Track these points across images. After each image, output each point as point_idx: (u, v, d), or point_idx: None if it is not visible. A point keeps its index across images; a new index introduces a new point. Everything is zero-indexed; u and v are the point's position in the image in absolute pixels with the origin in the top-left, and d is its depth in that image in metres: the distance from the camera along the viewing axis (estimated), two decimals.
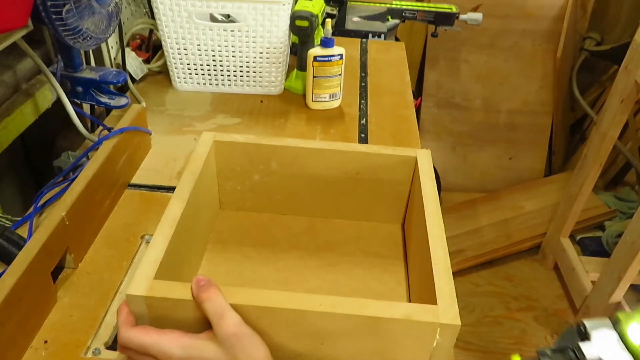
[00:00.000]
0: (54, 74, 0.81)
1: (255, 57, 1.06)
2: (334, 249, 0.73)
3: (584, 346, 0.48)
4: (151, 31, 1.18)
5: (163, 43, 1.05)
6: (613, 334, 0.49)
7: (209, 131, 0.72)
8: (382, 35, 1.45)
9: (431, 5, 1.68)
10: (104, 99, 0.88)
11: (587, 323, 0.48)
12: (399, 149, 0.72)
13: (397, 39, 1.58)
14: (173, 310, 0.49)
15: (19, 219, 0.71)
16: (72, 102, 0.82)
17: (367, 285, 0.68)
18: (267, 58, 1.06)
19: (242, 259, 0.70)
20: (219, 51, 1.05)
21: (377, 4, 1.59)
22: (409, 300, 0.66)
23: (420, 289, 0.60)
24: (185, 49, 1.05)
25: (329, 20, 0.99)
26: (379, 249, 0.73)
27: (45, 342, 0.58)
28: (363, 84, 1.19)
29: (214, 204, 0.75)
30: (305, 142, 0.72)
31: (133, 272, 0.67)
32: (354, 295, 0.65)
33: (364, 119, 1.05)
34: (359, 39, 1.41)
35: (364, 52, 1.35)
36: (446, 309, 0.49)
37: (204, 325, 0.49)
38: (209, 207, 0.73)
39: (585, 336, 0.47)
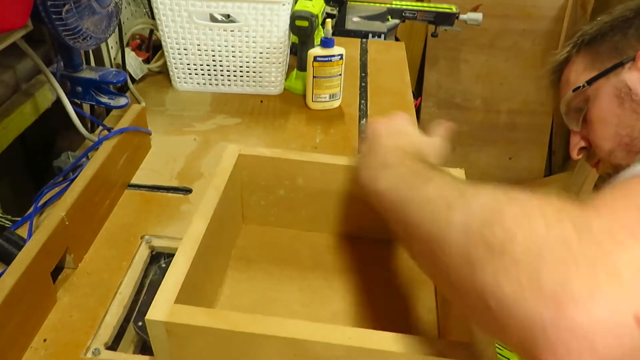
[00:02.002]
0: (54, 74, 0.81)
1: (255, 57, 1.06)
2: (360, 269, 0.70)
3: None
4: (151, 31, 1.18)
5: (163, 43, 1.05)
6: None
7: (234, 145, 0.70)
8: (382, 35, 1.45)
9: (431, 5, 1.69)
10: (104, 99, 0.88)
11: None
12: None
13: (397, 39, 1.58)
14: (195, 337, 0.47)
15: (19, 219, 0.71)
16: (72, 102, 0.82)
17: (396, 311, 0.65)
18: (267, 58, 1.06)
19: (265, 277, 0.68)
20: (219, 51, 1.05)
21: (377, 4, 1.59)
22: (439, 331, 0.62)
23: (451, 319, 0.56)
24: (185, 49, 1.05)
25: (329, 20, 0.99)
26: (408, 270, 0.70)
27: (45, 340, 0.58)
28: (363, 84, 1.19)
29: (237, 218, 0.73)
30: (333, 158, 0.70)
31: (133, 273, 0.68)
32: (380, 322, 0.63)
33: (364, 119, 1.05)
34: (359, 39, 1.41)
35: (364, 52, 1.34)
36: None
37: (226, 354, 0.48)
38: (232, 221, 0.71)
39: None
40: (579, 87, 0.69)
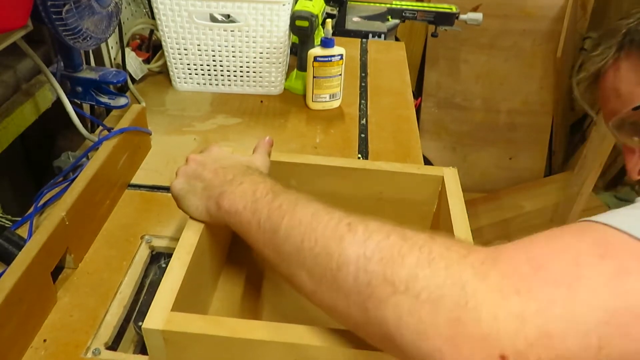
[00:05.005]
0: (54, 74, 0.81)
1: (255, 57, 1.06)
2: None
3: None
4: (151, 31, 1.18)
5: (163, 43, 1.05)
6: None
7: (226, 147, 0.68)
8: (382, 35, 1.45)
9: (431, 5, 1.68)
10: (104, 99, 0.88)
11: None
12: (425, 168, 0.69)
13: (397, 39, 1.58)
14: (193, 344, 0.47)
15: (19, 219, 0.71)
16: (72, 102, 0.82)
17: None
18: (267, 58, 1.06)
19: (259, 281, 0.68)
20: (219, 51, 1.05)
21: (377, 4, 1.59)
22: None
23: None
24: (185, 49, 1.05)
25: (329, 20, 0.99)
26: None
27: (45, 340, 0.58)
28: (363, 84, 1.19)
29: None
30: (326, 159, 0.70)
31: (133, 273, 0.68)
32: None
33: (364, 119, 1.05)
34: (359, 39, 1.41)
35: (364, 52, 1.34)
36: None
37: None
38: (226, 225, 0.71)
39: None
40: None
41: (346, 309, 0.40)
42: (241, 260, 0.70)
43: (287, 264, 0.45)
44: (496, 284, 0.33)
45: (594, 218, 0.37)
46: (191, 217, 0.58)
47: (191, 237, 0.56)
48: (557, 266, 0.34)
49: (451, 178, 0.68)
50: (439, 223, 0.69)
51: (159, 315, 0.47)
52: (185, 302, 0.51)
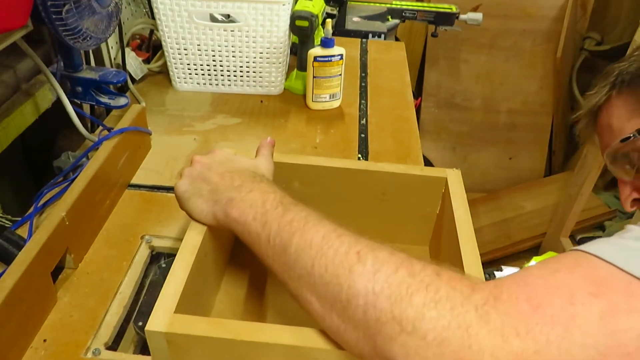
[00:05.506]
0: (54, 74, 0.81)
1: (255, 57, 1.06)
2: None
3: (497, 273, 0.70)
4: (151, 31, 1.18)
5: (163, 43, 1.05)
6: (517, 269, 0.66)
7: (228, 148, 0.68)
8: (382, 35, 1.45)
9: (431, 5, 1.68)
10: (104, 99, 0.88)
11: (504, 267, 0.71)
12: (428, 169, 0.69)
13: (397, 39, 1.58)
14: (196, 347, 0.47)
15: (19, 219, 0.71)
16: (72, 102, 0.82)
17: None
18: (267, 58, 1.06)
19: (263, 283, 0.68)
20: (219, 51, 1.05)
21: (377, 4, 1.59)
22: None
23: None
24: (185, 49, 1.05)
25: (329, 20, 0.99)
26: None
27: (45, 340, 0.58)
28: (363, 84, 1.19)
29: None
30: (329, 160, 0.70)
31: (133, 273, 0.68)
32: None
33: (364, 119, 1.05)
34: (359, 39, 1.41)
35: (364, 52, 1.34)
36: None
37: None
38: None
39: (500, 270, 0.69)
40: (628, 137, 0.60)
41: (355, 340, 0.41)
42: (244, 261, 0.70)
43: (297, 285, 0.46)
44: (498, 327, 0.35)
45: (585, 248, 0.39)
46: (194, 220, 0.58)
47: (194, 238, 0.55)
48: (553, 305, 0.36)
49: (454, 180, 0.67)
50: (442, 225, 0.69)
51: (162, 318, 0.47)
52: (188, 304, 0.51)
